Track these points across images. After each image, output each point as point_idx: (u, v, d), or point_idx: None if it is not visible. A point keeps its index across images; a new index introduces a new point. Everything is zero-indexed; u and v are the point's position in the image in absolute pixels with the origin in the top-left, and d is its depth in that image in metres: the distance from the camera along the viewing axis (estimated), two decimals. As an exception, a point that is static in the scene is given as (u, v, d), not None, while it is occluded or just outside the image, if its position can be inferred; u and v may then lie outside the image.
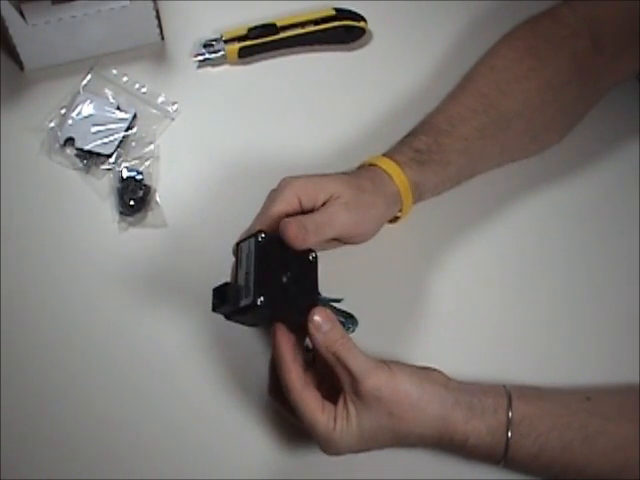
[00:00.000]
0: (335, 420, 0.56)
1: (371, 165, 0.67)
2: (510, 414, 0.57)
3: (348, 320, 0.63)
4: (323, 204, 0.61)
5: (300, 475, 0.63)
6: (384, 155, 0.68)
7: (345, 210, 0.61)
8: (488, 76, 0.72)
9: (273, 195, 0.62)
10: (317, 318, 0.57)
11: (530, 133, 0.72)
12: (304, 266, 0.59)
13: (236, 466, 0.63)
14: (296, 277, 0.58)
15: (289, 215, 0.60)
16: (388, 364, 0.58)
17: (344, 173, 0.66)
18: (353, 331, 0.63)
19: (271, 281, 0.57)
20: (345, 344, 0.56)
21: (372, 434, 0.57)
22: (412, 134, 0.70)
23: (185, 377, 0.66)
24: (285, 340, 0.57)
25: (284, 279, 0.57)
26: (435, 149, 0.68)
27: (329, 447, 0.57)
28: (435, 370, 0.60)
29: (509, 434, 0.57)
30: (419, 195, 0.68)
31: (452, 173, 0.69)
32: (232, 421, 0.64)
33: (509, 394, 0.59)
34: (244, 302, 0.56)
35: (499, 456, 0.58)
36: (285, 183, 0.62)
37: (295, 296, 0.57)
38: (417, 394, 0.57)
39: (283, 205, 0.60)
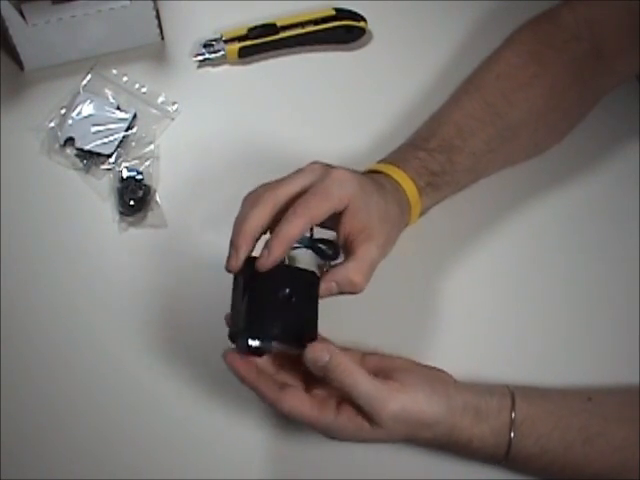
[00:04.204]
0: (338, 413, 0.55)
1: (395, 182, 0.64)
2: (513, 415, 0.57)
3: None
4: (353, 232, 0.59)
5: (300, 475, 0.63)
6: (403, 170, 0.65)
7: (377, 252, 0.59)
8: (494, 84, 0.71)
9: (323, 188, 0.57)
10: (314, 353, 0.54)
11: (534, 140, 0.72)
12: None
13: (236, 468, 0.63)
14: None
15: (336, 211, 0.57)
16: (401, 380, 0.56)
17: (377, 183, 0.62)
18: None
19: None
20: (349, 376, 0.54)
21: (380, 441, 0.56)
22: (425, 149, 0.68)
23: (186, 377, 0.66)
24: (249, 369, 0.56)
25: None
26: (448, 169, 0.67)
27: (328, 434, 0.56)
28: (442, 371, 0.60)
29: (512, 434, 0.57)
30: (420, 215, 0.68)
31: (457, 190, 0.70)
32: (232, 423, 0.65)
33: (513, 395, 0.59)
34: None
35: (501, 456, 0.58)
36: (338, 179, 0.57)
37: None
38: (435, 411, 0.56)
39: (335, 204, 0.57)
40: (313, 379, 0.57)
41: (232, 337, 0.56)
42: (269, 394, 0.55)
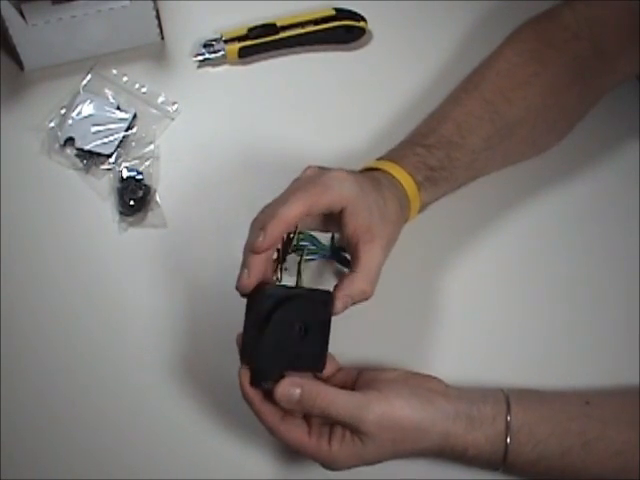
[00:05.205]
0: (330, 441, 0.55)
1: (393, 177, 0.64)
2: (509, 418, 0.57)
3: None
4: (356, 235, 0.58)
5: (298, 475, 0.63)
6: (401, 166, 0.65)
7: (381, 254, 0.59)
8: (493, 81, 0.71)
9: (323, 181, 0.56)
10: (282, 390, 0.54)
11: (532, 138, 0.72)
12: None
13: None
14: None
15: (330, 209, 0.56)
16: (380, 389, 0.56)
17: (374, 181, 0.62)
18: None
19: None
20: (325, 399, 0.54)
21: (375, 456, 0.56)
22: (424, 145, 0.67)
23: (185, 379, 0.66)
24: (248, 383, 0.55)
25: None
26: (447, 165, 0.67)
27: (327, 464, 0.56)
28: (434, 378, 0.60)
29: (508, 441, 0.57)
30: (420, 211, 0.68)
31: (455, 187, 0.70)
32: (229, 427, 0.65)
33: (508, 400, 0.58)
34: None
35: (498, 463, 0.58)
36: (337, 178, 0.57)
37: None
38: (418, 417, 0.56)
39: (334, 197, 0.56)
40: None
41: (243, 360, 0.56)
42: (270, 421, 0.55)
